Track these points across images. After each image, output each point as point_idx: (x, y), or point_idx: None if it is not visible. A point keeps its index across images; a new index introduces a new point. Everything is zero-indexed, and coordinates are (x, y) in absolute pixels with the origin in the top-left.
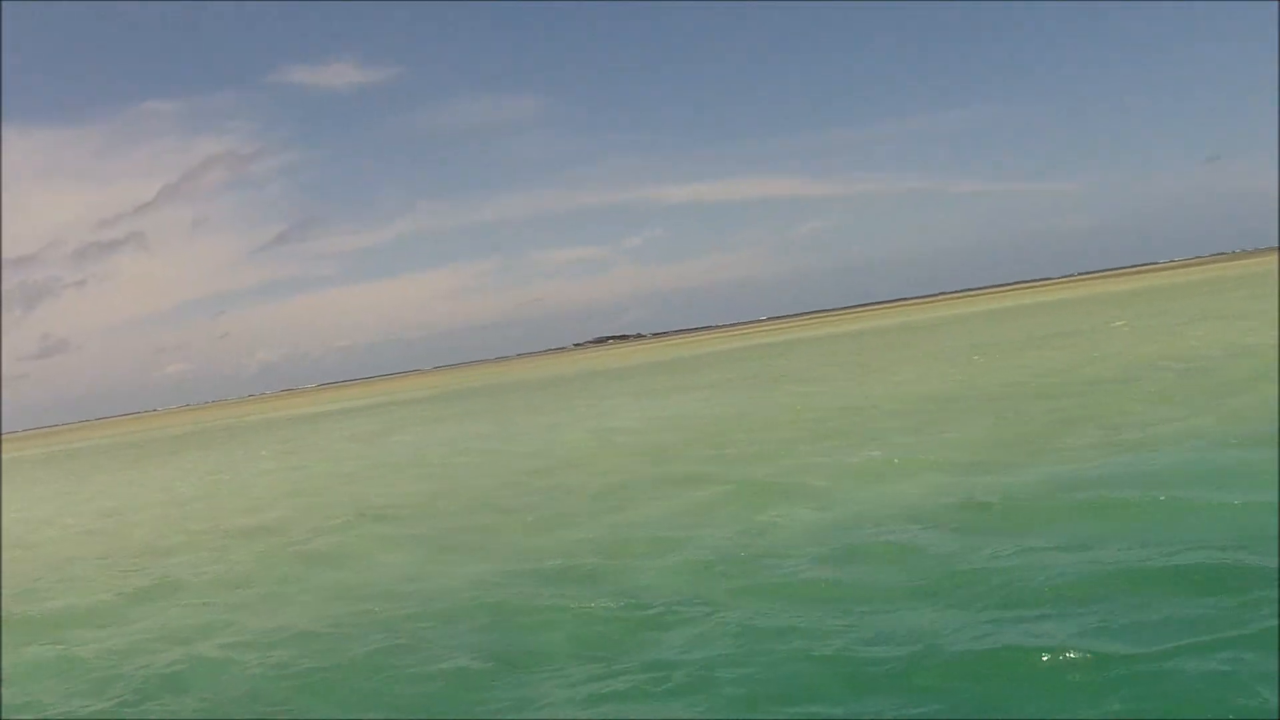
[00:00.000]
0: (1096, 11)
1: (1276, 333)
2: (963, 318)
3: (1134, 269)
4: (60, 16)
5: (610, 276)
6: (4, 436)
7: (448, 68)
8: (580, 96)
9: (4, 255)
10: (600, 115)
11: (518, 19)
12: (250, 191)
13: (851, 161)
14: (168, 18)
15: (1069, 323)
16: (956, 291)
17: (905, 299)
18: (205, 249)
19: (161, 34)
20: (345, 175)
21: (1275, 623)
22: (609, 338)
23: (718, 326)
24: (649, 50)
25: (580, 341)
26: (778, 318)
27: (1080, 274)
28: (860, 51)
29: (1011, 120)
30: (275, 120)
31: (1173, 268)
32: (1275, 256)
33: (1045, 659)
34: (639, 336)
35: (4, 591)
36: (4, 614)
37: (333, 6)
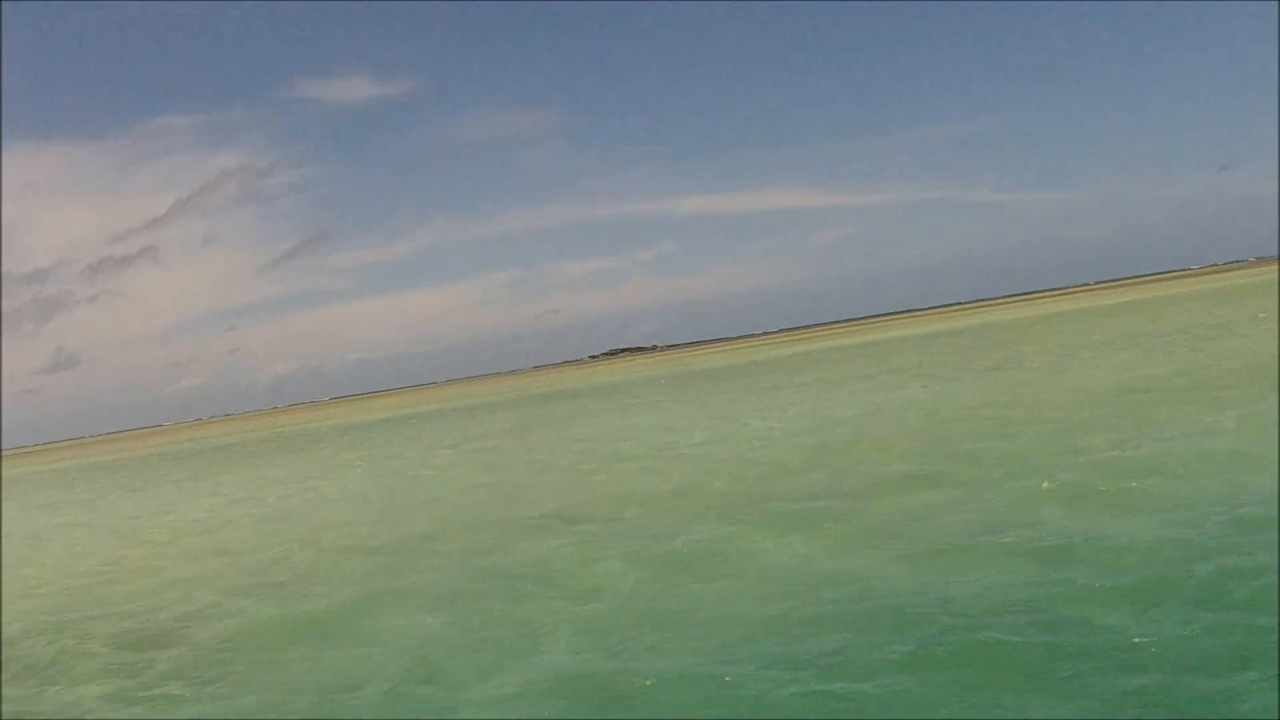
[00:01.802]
0: (1108, 19)
1: None
2: (1029, 320)
3: (1151, 278)
4: (75, 32)
5: (624, 289)
6: (23, 449)
7: (462, 81)
8: (594, 109)
9: (18, 270)
10: (614, 127)
11: (531, 32)
12: (264, 206)
13: (864, 172)
14: (182, 32)
15: (1190, 318)
16: (976, 301)
17: (923, 309)
18: (217, 263)
19: (176, 49)
20: (360, 189)
21: None
22: (622, 350)
23: (733, 339)
24: (661, 62)
25: (595, 354)
26: (790, 329)
27: (1097, 283)
28: (870, 61)
29: (1024, 129)
30: (290, 134)
31: (1195, 275)
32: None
33: None
34: (654, 349)
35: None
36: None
37: (347, 20)
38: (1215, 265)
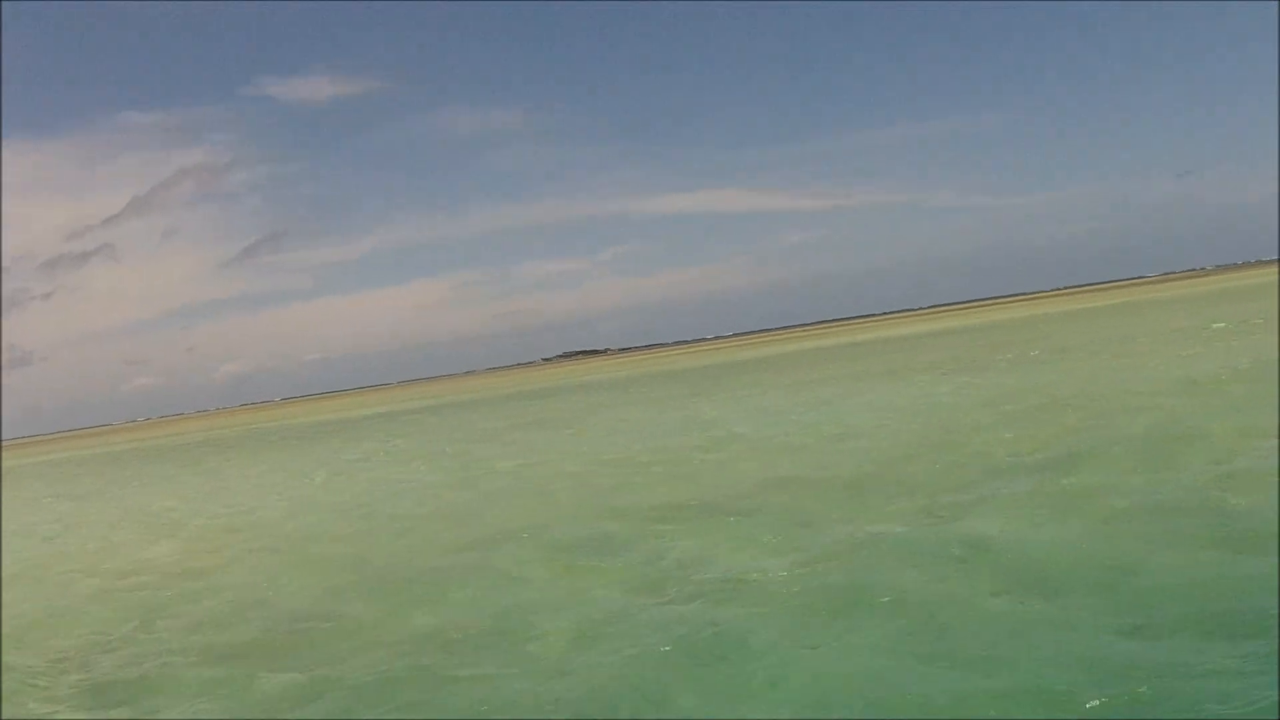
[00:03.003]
0: (1075, 23)
1: None
2: (1015, 322)
3: (1116, 283)
4: (35, 29)
5: (584, 290)
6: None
7: (425, 81)
8: (558, 109)
9: None
10: (578, 127)
11: (495, 31)
12: (223, 204)
13: (830, 174)
14: (144, 30)
15: (1201, 317)
16: (942, 304)
17: (889, 313)
18: (176, 261)
19: (137, 46)
20: (321, 188)
21: None
22: (576, 352)
23: (693, 341)
24: (628, 62)
25: (549, 356)
26: (751, 333)
27: (1062, 288)
28: (838, 64)
29: (991, 133)
30: (251, 133)
31: (1161, 282)
32: (1259, 270)
33: None
34: (605, 351)
35: None
36: None
37: (309, 19)
38: (1174, 273)
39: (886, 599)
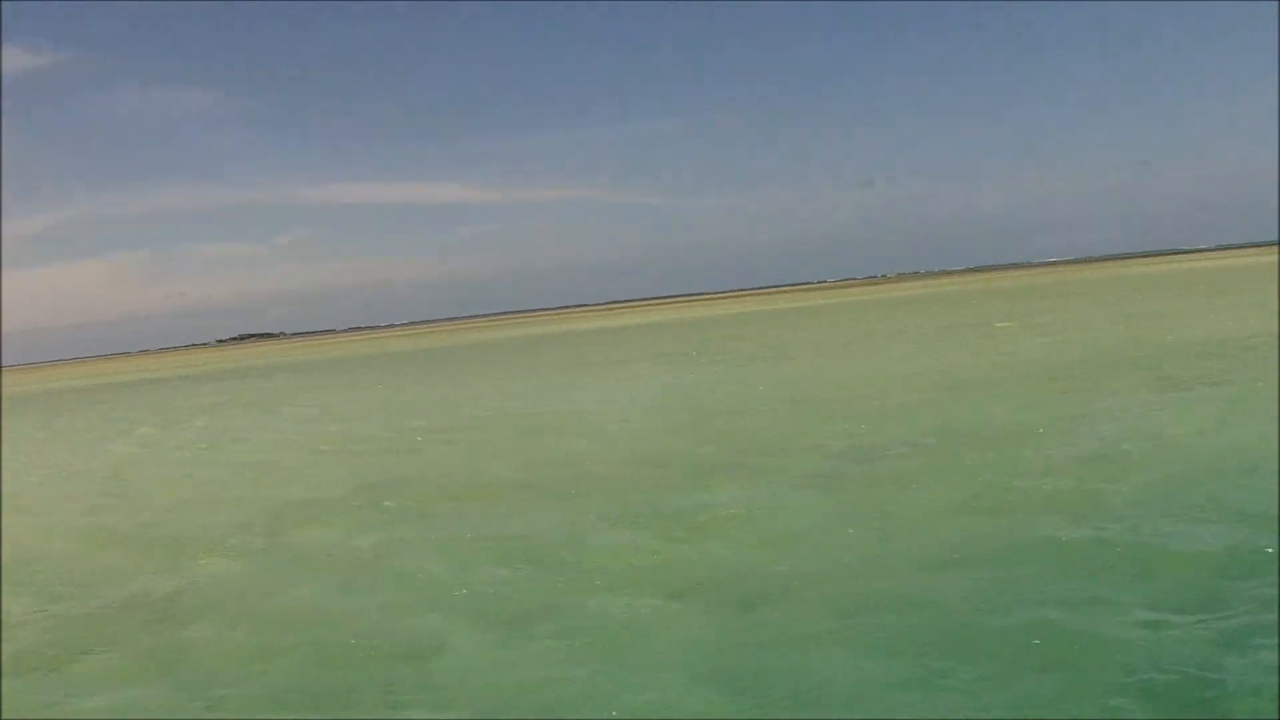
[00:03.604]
0: (771, 30)
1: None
2: (714, 320)
3: (796, 287)
4: None
5: (259, 274)
6: None
7: (118, 56)
8: (250, 94)
9: None
10: (267, 113)
11: (199, 11)
12: None
13: (513, 170)
14: None
15: (917, 320)
16: (628, 300)
17: (567, 307)
18: None
19: None
20: (4, 162)
21: None
22: (250, 335)
23: (367, 328)
24: (320, 52)
25: (223, 339)
26: (425, 322)
27: (742, 290)
28: (527, 61)
29: (680, 137)
30: None
31: (843, 287)
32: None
33: None
34: (280, 335)
35: None
36: None
37: None
38: (854, 279)
39: (598, 608)
